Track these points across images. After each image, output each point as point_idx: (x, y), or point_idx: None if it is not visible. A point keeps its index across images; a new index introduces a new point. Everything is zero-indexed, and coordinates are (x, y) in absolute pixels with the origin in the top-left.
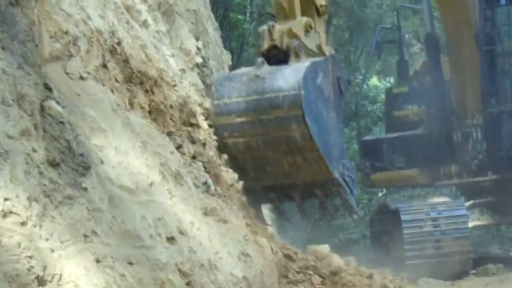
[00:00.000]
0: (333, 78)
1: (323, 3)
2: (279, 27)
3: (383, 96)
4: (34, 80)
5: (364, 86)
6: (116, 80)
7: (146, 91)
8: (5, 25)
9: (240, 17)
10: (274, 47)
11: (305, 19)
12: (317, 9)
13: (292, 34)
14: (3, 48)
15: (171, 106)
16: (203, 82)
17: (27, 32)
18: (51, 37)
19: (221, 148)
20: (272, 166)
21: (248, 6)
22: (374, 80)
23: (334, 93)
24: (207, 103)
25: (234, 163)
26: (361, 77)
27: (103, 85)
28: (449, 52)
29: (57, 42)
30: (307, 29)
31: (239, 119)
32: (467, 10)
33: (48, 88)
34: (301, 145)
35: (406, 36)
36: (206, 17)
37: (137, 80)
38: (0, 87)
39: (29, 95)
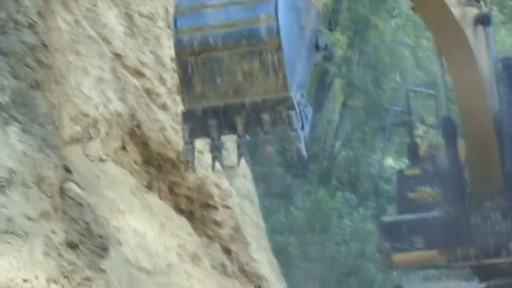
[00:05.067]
0: (313, 24)
1: None
2: None
3: None
4: (54, 162)
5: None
6: (135, 162)
7: (165, 173)
8: (25, 108)
9: None
10: None
11: None
12: None
13: None
14: (23, 131)
15: (188, 188)
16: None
17: (47, 115)
18: (71, 119)
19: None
20: (224, 75)
21: None
22: (389, 161)
23: (310, 37)
24: (225, 185)
25: (182, 74)
26: (375, 157)
27: (123, 167)
28: (466, 138)
29: (77, 125)
30: None
31: (202, 10)
32: (484, 98)
33: (67, 170)
34: (265, 41)
35: (413, 119)
36: None
37: (156, 162)
38: (21, 170)
39: (49, 177)
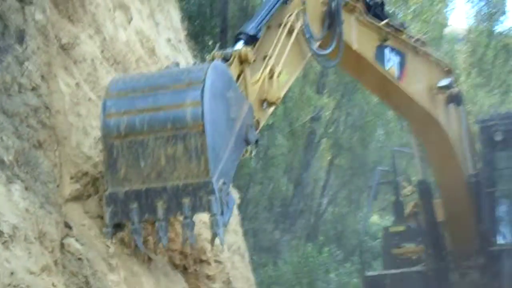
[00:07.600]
0: (245, 118)
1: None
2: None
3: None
4: (55, 218)
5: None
6: None
7: None
8: (28, 167)
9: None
10: None
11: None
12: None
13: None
14: (26, 189)
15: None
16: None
17: (49, 174)
18: (71, 178)
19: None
20: (147, 159)
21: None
22: (374, 218)
23: (240, 130)
24: (217, 241)
25: (107, 157)
26: (361, 214)
27: None
28: (442, 200)
29: (77, 183)
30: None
31: (131, 94)
32: (456, 166)
33: (68, 226)
34: (189, 125)
35: (398, 178)
36: None
37: None
38: (23, 226)
39: (50, 233)
